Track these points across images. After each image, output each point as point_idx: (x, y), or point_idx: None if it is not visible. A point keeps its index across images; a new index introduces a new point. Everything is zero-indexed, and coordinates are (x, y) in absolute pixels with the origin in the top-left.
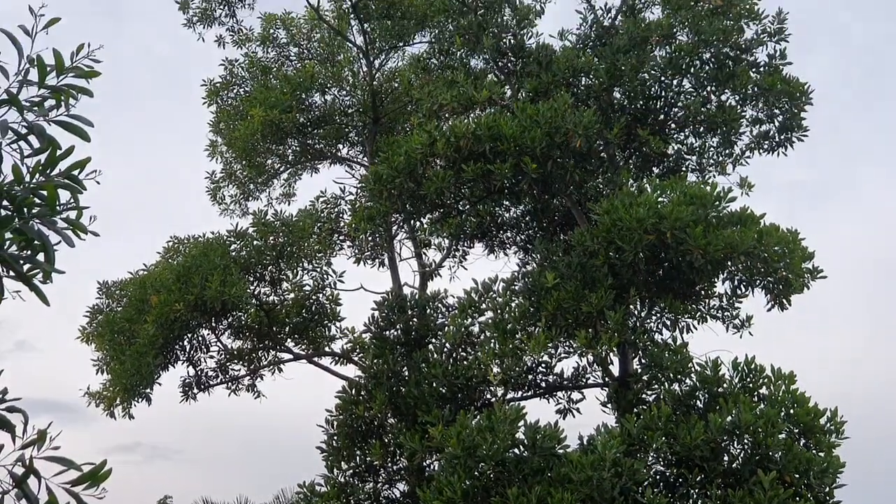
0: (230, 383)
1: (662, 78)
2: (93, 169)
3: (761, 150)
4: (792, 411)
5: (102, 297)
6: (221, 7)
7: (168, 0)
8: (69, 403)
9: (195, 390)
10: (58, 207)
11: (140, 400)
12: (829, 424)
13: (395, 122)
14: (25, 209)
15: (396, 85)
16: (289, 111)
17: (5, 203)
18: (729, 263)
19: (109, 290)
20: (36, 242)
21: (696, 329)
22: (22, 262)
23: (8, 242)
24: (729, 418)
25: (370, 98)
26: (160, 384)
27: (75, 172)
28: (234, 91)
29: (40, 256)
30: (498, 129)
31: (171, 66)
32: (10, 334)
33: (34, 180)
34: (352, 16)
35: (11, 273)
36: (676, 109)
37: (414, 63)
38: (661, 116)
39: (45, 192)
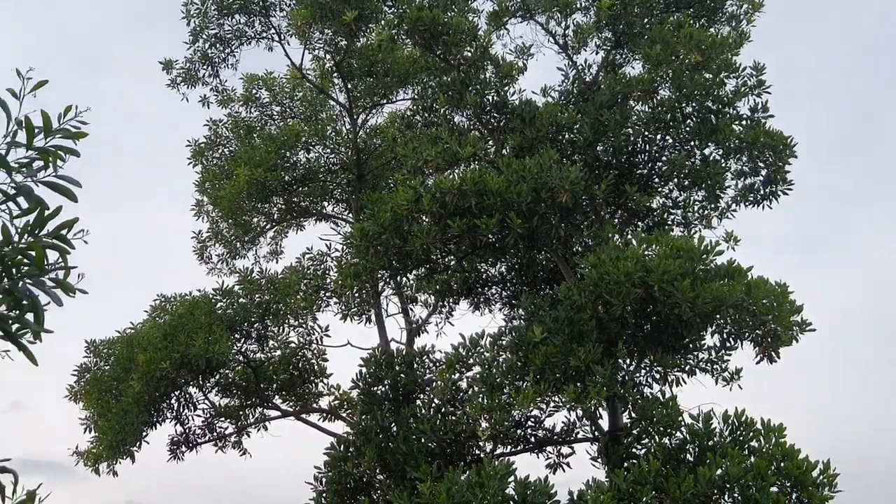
0: (217, 441)
1: (646, 132)
2: (80, 228)
3: (746, 203)
4: (783, 464)
5: (90, 356)
6: (205, 67)
7: (148, 59)
8: (59, 462)
9: (183, 448)
10: (46, 267)
11: (125, 457)
12: (821, 477)
13: (380, 178)
14: (14, 269)
15: (380, 142)
16: (273, 170)
17: None
18: (717, 317)
19: (97, 349)
20: (24, 302)
21: (685, 382)
22: (11, 321)
23: None
24: (719, 472)
25: (354, 155)
26: (148, 442)
27: (63, 232)
28: (219, 151)
29: (29, 316)
30: (483, 185)
31: (151, 124)
32: (6, 394)
33: (23, 241)
34: (335, 74)
35: (0, 333)
36: (661, 164)
37: (397, 120)
38: (646, 171)
39: (33, 253)
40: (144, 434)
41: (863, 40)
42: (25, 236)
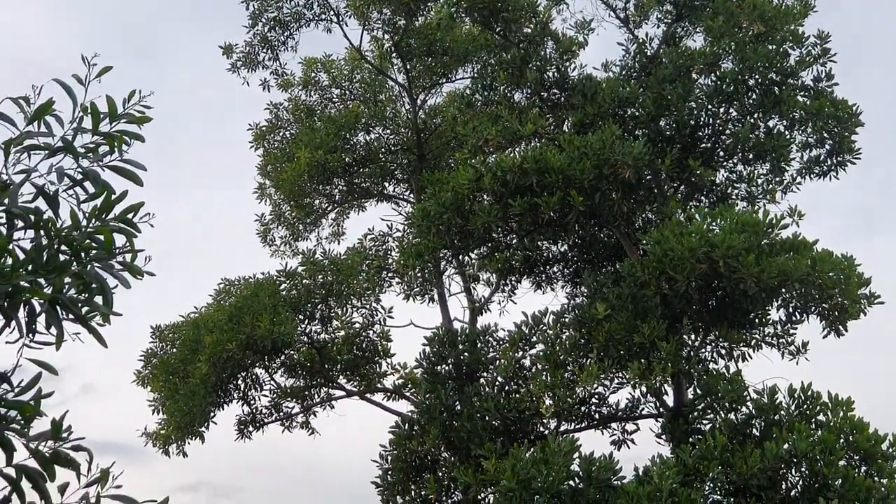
0: (284, 420)
1: (709, 106)
2: (146, 212)
3: (812, 175)
4: (851, 438)
5: (156, 341)
6: (265, 51)
7: (204, 43)
8: (130, 444)
9: (250, 428)
10: (113, 250)
11: (194, 438)
12: (891, 449)
13: (440, 158)
14: (83, 253)
15: (440, 121)
16: (334, 151)
17: (63, 248)
18: (783, 291)
19: (162, 334)
20: (93, 286)
21: (751, 357)
22: (80, 305)
23: (67, 286)
24: (786, 446)
25: (414, 135)
26: (216, 423)
27: (129, 216)
28: (280, 134)
29: (98, 299)
30: (545, 162)
31: (214, 108)
32: (77, 378)
33: (91, 225)
34: (393, 55)
35: (70, 316)
36: (724, 137)
37: (457, 99)
38: (709, 144)
39: (101, 237)
40: (212, 415)
41: None
42: (93, 220)
